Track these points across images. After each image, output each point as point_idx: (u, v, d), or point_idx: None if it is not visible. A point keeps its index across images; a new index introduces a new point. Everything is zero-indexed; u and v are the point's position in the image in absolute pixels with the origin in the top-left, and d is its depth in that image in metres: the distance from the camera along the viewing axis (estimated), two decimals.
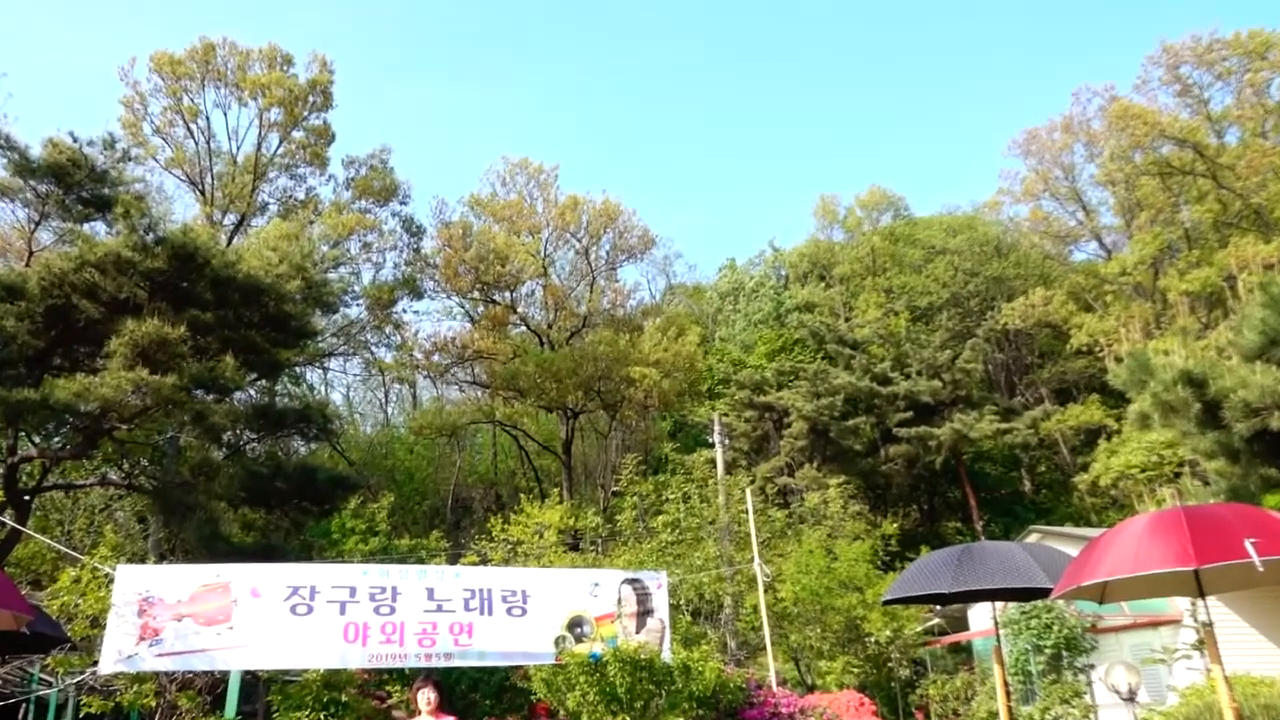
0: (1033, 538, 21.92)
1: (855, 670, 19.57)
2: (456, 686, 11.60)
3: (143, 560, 20.19)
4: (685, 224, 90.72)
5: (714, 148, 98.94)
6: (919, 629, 21.83)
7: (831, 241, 55.97)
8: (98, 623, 9.90)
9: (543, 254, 39.45)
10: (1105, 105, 39.44)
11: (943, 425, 36.27)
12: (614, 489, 35.46)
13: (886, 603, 9.06)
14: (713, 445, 25.86)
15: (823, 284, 54.02)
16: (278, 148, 35.18)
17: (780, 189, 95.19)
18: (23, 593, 7.56)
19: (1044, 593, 7.90)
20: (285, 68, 33.88)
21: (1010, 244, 47.85)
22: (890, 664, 20.47)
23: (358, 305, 36.89)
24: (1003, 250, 47.91)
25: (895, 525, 27.97)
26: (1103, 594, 6.82)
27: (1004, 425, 36.25)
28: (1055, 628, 16.22)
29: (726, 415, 38.23)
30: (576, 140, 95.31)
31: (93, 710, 11.07)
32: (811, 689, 18.64)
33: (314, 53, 34.75)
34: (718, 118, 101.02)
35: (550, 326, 39.95)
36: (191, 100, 33.43)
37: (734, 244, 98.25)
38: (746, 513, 19.42)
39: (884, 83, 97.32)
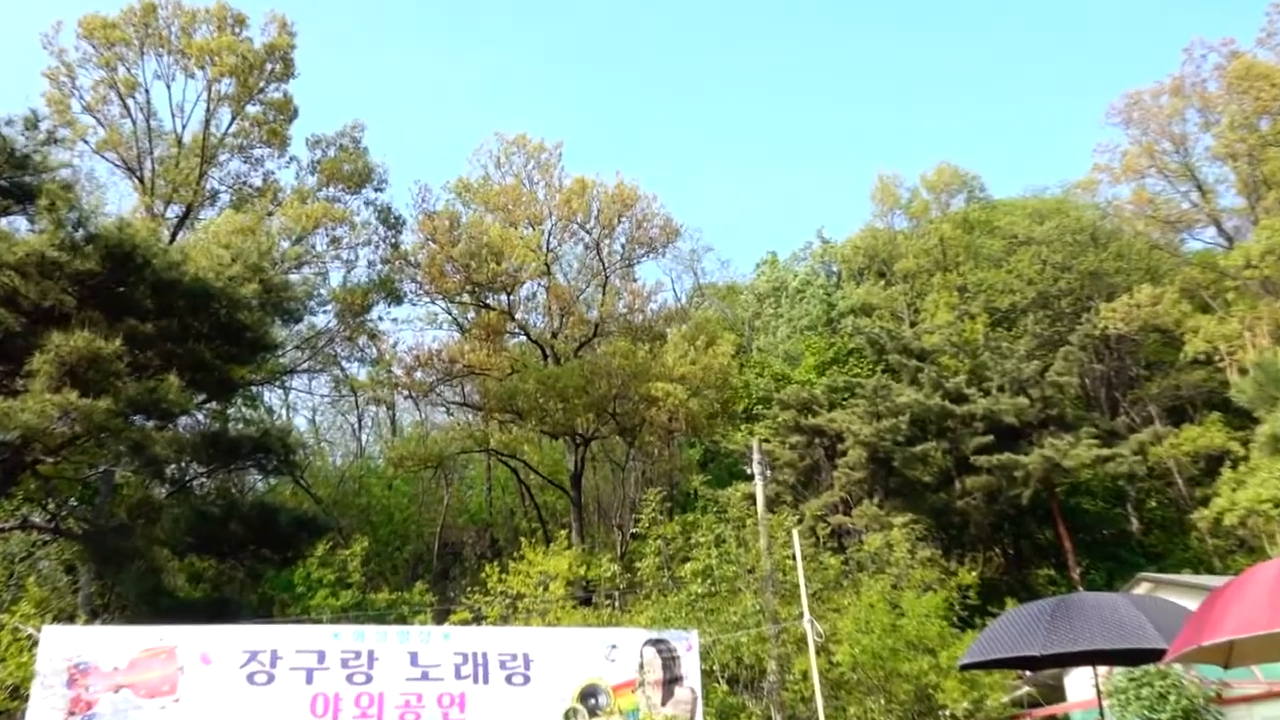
0: (1142, 588, 21.68)
1: None
2: None
3: (72, 619, 20.29)
4: (716, 211, 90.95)
5: (749, 120, 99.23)
6: (1005, 700, 21.63)
7: (892, 230, 55.82)
8: (19, 694, 9.99)
9: (545, 249, 39.57)
10: (1223, 63, 39.21)
11: (1031, 452, 35.96)
12: (633, 531, 35.35)
13: (965, 667, 9.01)
14: (751, 477, 25.77)
15: (882, 281, 53.83)
16: (230, 125, 35.51)
17: (830, 167, 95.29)
18: None
19: (1157, 655, 7.82)
20: (238, 30, 34.22)
21: (1109, 232, 47.52)
22: None
23: (325, 312, 37.15)
24: (1100, 239, 47.60)
25: (974, 573, 27.71)
26: (1229, 656, 6.75)
27: (1105, 451, 35.91)
28: (1172, 697, 16.03)
29: (768, 441, 38.04)
30: (584, 113, 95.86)
31: None
32: None
33: (271, 12, 35.07)
34: (753, 83, 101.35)
35: (555, 335, 40.02)
36: (128, 71, 33.81)
37: (775, 235, 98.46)
38: (793, 559, 19.31)
39: (953, 37, 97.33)
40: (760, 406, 44.22)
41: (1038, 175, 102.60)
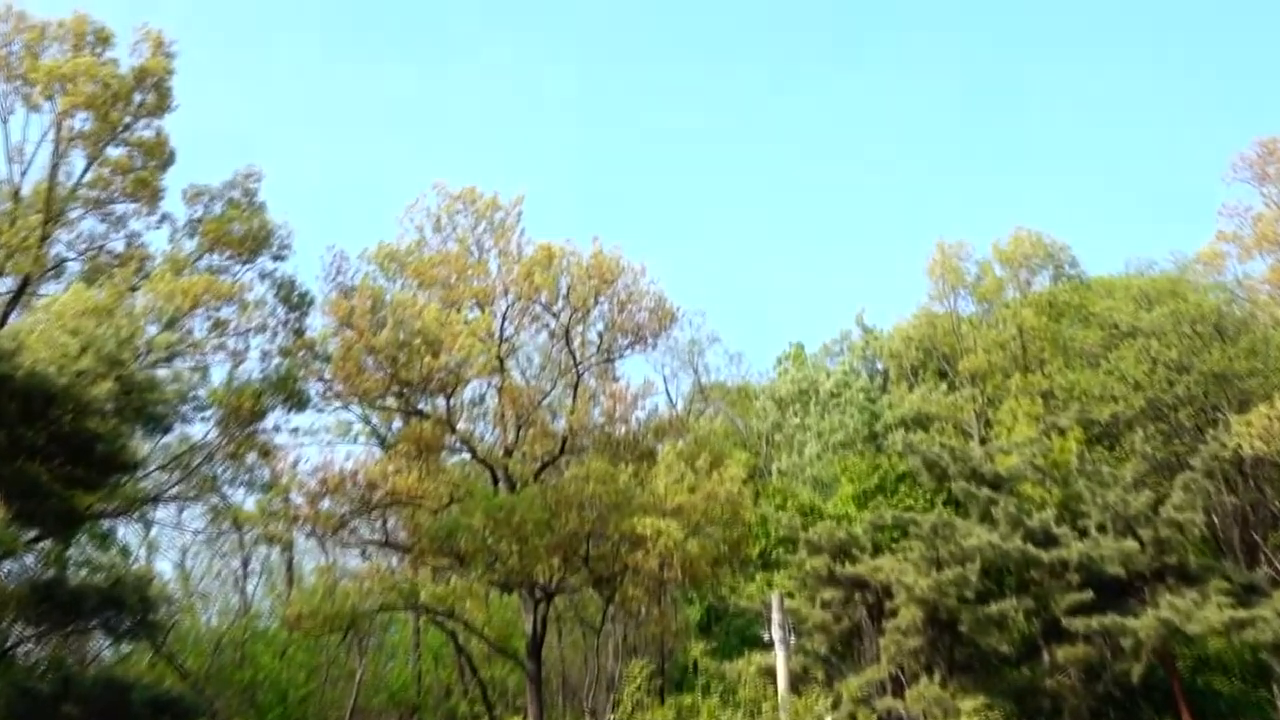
0: None
1: None
2: None
3: None
4: (723, 290, 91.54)
5: (766, 173, 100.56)
6: None
7: (956, 316, 56.22)
8: None
9: (498, 337, 39.68)
10: None
11: (1142, 613, 35.77)
12: (611, 716, 34.88)
13: None
14: (769, 645, 25.60)
15: (943, 384, 54.05)
16: (84, 173, 35.72)
17: (875, 234, 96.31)
18: None
19: None
20: (100, 49, 34.64)
21: (1240, 320, 47.88)
22: None
23: (203, 420, 36.89)
24: (1228, 330, 47.97)
25: None
26: None
27: (1241, 613, 35.71)
28: None
29: (792, 596, 37.73)
30: (552, 166, 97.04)
31: None
32: None
33: (143, 26, 35.59)
34: (771, 126, 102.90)
35: (509, 453, 39.89)
36: None
37: (801, 321, 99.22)
38: None
39: (1035, 72, 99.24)
40: (781, 550, 43.97)
41: (1144, 244, 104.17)
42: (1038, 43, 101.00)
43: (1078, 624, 36.33)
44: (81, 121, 34.53)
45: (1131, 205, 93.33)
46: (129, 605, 20.62)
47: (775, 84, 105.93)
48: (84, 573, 29.89)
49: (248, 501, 42.36)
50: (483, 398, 41.57)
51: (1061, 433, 45.81)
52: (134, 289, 34.64)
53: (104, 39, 34.70)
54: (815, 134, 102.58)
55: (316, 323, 39.86)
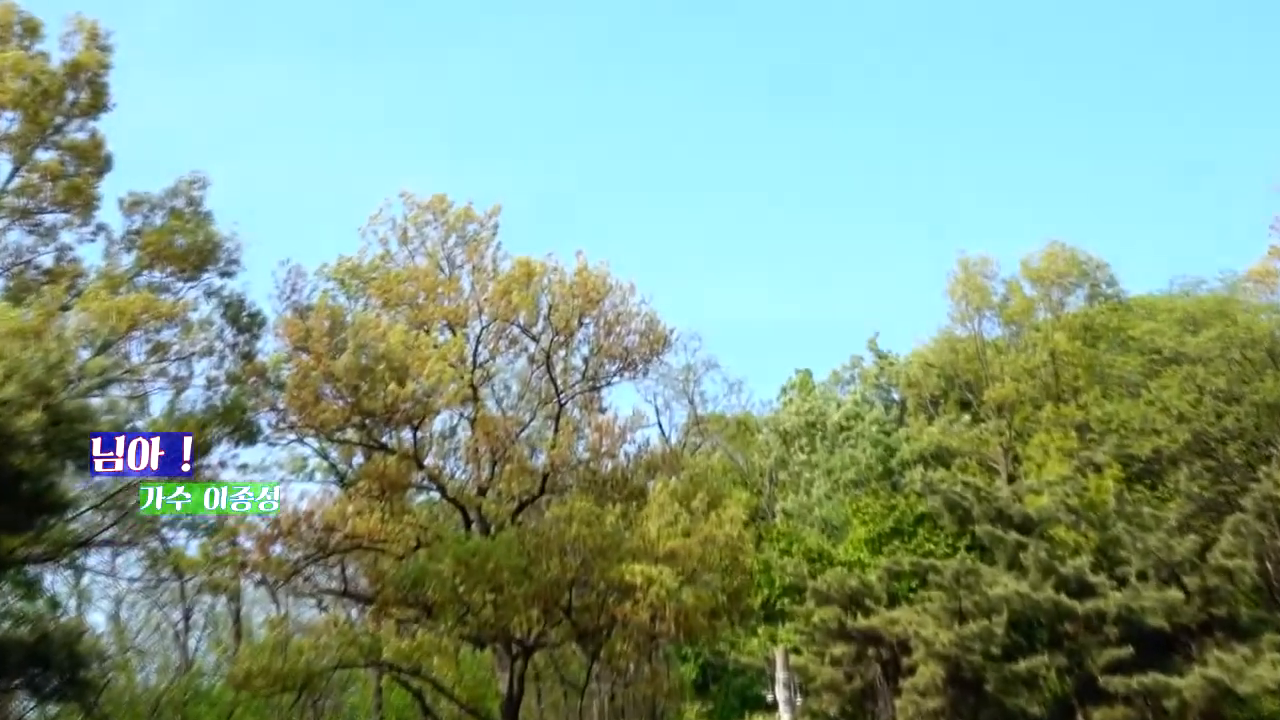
0: None
1: None
2: None
3: None
4: (721, 311, 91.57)
5: (766, 179, 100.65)
6: None
7: (980, 340, 56.19)
8: None
9: (472, 362, 39.59)
10: None
11: (1188, 671, 35.73)
12: None
13: None
14: (772, 707, 25.52)
15: (966, 416, 54.02)
16: (10, 179, 35.63)
17: (889, 248, 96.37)
18: None
19: None
20: (27, 42, 34.61)
21: None
22: None
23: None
24: None
25: None
26: None
27: None
28: None
29: (798, 652, 37.67)
30: (533, 177, 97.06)
31: None
32: None
33: (75, 17, 35.53)
34: (775, 135, 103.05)
35: (483, 492, 39.77)
36: None
37: (808, 345, 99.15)
38: None
39: (1064, 72, 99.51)
40: (787, 600, 43.93)
41: (1189, 261, 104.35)
42: (1070, 41, 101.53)
43: (1116, 683, 36.27)
44: (8, 122, 34.48)
45: (1176, 218, 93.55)
46: (57, 662, 20.54)
47: (781, 88, 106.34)
48: (7, 625, 29.80)
49: (190, 546, 42.23)
50: (454, 430, 41.39)
51: (1098, 470, 45.80)
52: (65, 308, 34.44)
53: (32, 29, 34.60)
54: (824, 141, 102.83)
55: (268, 346, 39.75)
